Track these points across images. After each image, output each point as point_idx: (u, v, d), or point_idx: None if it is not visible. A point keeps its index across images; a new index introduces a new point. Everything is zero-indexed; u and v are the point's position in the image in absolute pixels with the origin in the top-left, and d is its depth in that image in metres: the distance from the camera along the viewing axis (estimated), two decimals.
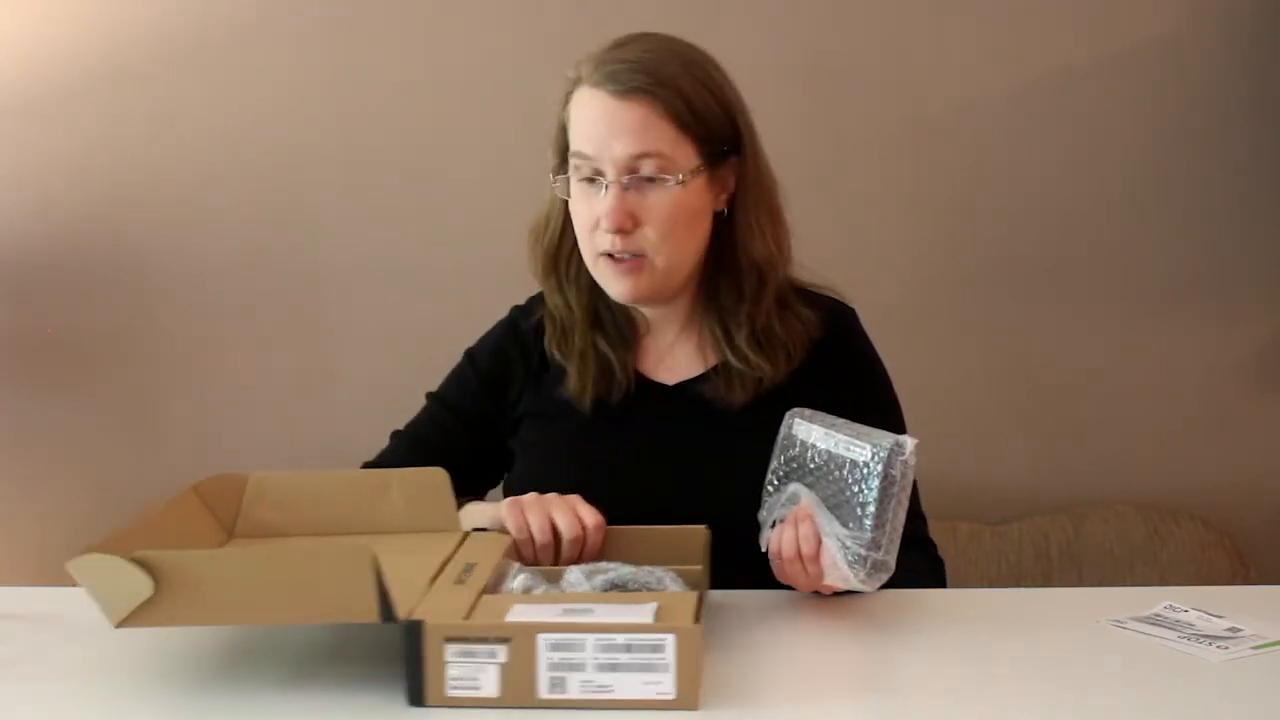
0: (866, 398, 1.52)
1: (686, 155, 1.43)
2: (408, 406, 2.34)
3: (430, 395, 1.64)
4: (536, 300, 1.61)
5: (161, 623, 1.09)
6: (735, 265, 1.50)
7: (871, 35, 2.28)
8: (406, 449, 1.60)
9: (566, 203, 1.50)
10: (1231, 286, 2.34)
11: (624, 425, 1.52)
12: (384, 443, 1.64)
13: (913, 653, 1.24)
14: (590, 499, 1.36)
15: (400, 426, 1.64)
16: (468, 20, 2.28)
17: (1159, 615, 1.30)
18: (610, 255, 1.44)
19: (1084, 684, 1.14)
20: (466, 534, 1.34)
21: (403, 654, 1.06)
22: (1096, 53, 2.29)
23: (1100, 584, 2.18)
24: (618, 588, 1.20)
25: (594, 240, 1.45)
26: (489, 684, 1.05)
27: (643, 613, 1.09)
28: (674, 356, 1.55)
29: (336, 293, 2.34)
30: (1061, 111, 2.30)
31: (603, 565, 1.24)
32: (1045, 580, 2.21)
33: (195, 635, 1.24)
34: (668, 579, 1.22)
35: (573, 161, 1.45)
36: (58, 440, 2.35)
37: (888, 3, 2.28)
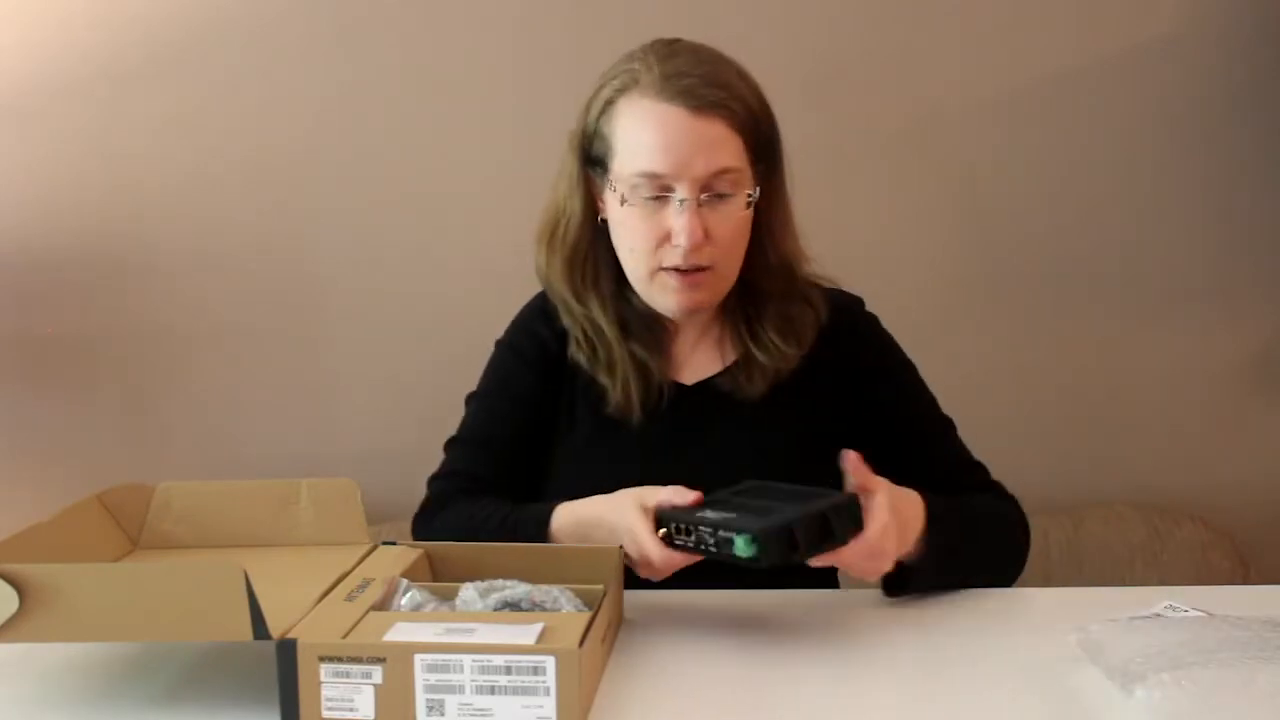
0: (883, 381, 1.54)
1: (748, 168, 1.42)
2: (406, 406, 2.35)
3: (475, 395, 1.57)
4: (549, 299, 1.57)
5: (27, 639, 1.04)
6: (765, 263, 1.49)
7: (871, 37, 2.28)
8: (472, 454, 1.52)
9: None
10: (1232, 287, 2.34)
11: (652, 429, 1.49)
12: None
13: (910, 652, 1.23)
14: None
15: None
16: (468, 19, 2.28)
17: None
18: (675, 269, 1.42)
19: (1084, 684, 1.14)
20: (374, 547, 1.31)
21: (277, 674, 1.03)
22: (1097, 53, 2.29)
23: (1100, 584, 2.17)
24: (511, 606, 1.16)
25: (657, 256, 1.42)
26: (365, 706, 1.02)
27: (527, 634, 1.05)
28: (695, 358, 1.54)
29: (336, 294, 2.34)
30: (1062, 112, 2.30)
31: (499, 583, 1.19)
32: (1045, 580, 2.20)
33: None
34: (564, 599, 1.17)
35: (633, 180, 1.40)
36: (58, 440, 2.35)
37: (889, 4, 2.28)
